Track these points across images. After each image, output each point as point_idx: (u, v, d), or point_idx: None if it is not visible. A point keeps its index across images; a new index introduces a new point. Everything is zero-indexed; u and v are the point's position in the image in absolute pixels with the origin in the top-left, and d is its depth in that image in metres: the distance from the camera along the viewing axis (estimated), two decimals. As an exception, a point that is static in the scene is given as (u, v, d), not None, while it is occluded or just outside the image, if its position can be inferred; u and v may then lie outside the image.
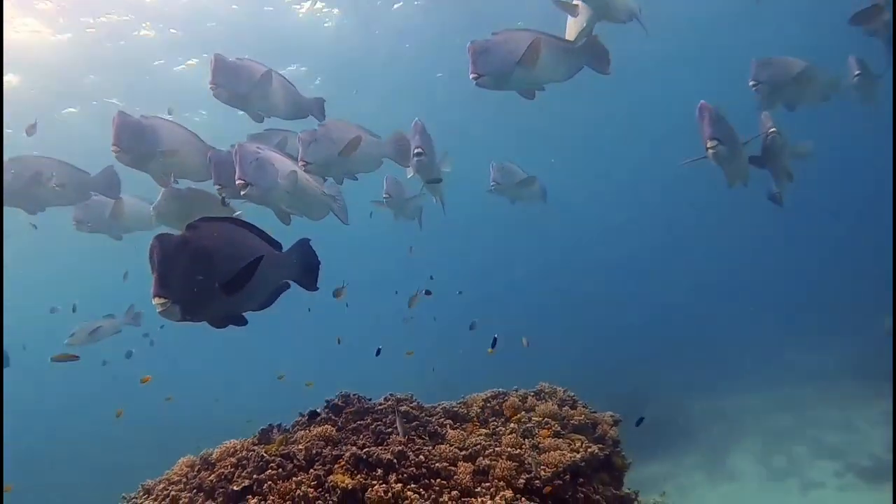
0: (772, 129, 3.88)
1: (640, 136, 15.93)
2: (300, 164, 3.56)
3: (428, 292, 4.84)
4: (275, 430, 3.25)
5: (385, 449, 2.80)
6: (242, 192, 3.18)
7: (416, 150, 3.92)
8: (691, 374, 11.32)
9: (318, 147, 3.58)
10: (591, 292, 18.28)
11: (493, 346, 4.25)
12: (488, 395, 3.74)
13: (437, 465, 2.77)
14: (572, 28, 4.30)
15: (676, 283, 17.84)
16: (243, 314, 2.33)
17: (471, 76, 3.36)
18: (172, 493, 2.58)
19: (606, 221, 19.80)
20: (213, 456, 2.80)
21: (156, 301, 1.98)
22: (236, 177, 3.17)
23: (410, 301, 4.85)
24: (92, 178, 4.16)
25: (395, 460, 2.72)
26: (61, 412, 13.58)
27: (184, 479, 2.67)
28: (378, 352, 4.28)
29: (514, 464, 2.86)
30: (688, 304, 16.08)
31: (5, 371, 4.28)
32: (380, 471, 2.66)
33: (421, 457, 2.79)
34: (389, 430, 3.14)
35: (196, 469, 2.75)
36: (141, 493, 2.69)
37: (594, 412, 3.54)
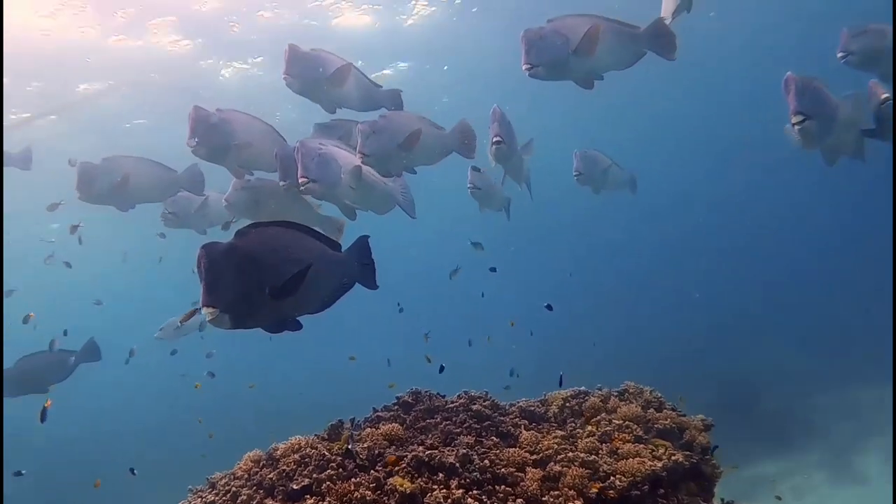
0: (885, 96, 3.38)
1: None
2: (358, 155, 3.48)
3: (549, 307, 4.71)
4: (345, 426, 3.22)
5: (449, 452, 2.69)
6: (304, 189, 3.16)
7: (494, 139, 3.80)
8: (816, 363, 10.48)
9: (378, 139, 3.49)
10: (704, 272, 17.36)
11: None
12: (568, 393, 3.55)
13: (503, 470, 2.63)
14: (668, 3, 4.01)
15: (798, 261, 16.56)
16: (299, 318, 2.28)
17: (523, 67, 3.21)
18: (233, 488, 2.60)
19: (719, 200, 18.65)
20: (278, 452, 2.80)
21: (205, 311, 1.97)
22: (298, 174, 3.15)
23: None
24: (178, 176, 4.32)
25: (458, 464, 2.60)
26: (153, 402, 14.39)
27: (246, 475, 2.69)
28: (441, 369, 4.24)
29: (587, 471, 2.67)
30: (812, 284, 14.91)
31: (97, 364, 4.58)
32: (441, 475, 2.55)
33: (486, 461, 2.66)
34: (459, 430, 3.03)
35: (260, 465, 2.76)
36: (206, 487, 2.73)
37: (682, 415, 3.25)
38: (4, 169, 4.50)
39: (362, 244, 2.61)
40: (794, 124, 3.15)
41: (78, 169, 4.07)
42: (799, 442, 8.90)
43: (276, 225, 2.27)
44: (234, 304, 1.99)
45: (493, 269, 4.75)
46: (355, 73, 3.99)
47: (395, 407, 3.29)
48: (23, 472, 6.07)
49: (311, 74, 3.79)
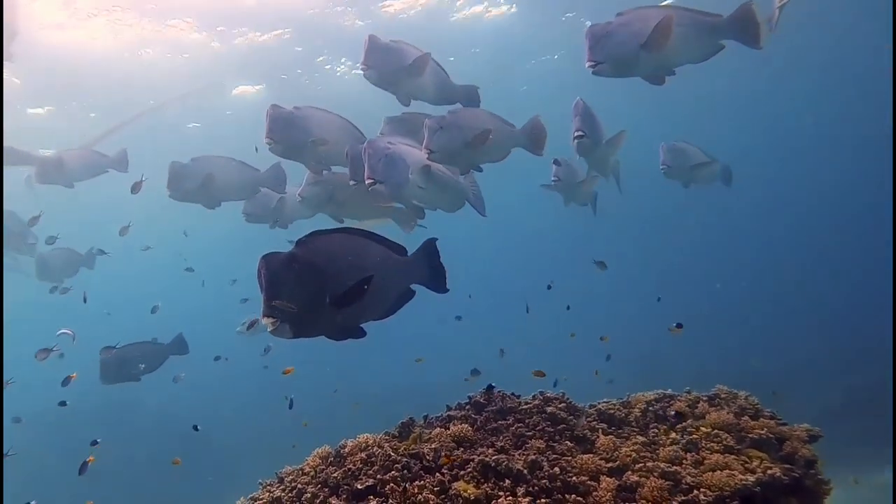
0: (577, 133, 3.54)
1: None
2: (424, 151, 3.40)
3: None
4: (417, 424, 3.16)
5: (518, 457, 2.56)
6: (372, 190, 3.12)
7: (576, 133, 3.66)
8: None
9: (445, 135, 3.40)
10: (826, 263, 16.21)
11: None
12: (653, 396, 3.32)
13: (574, 478, 2.47)
14: None
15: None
16: (362, 325, 2.24)
17: (587, 65, 3.06)
18: (299, 485, 2.58)
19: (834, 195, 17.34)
20: (346, 449, 2.77)
21: (265, 321, 1.98)
22: (365, 175, 3.11)
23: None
24: (261, 175, 4.44)
25: (526, 471, 2.47)
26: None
27: (314, 472, 2.67)
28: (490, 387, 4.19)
29: (667, 483, 2.46)
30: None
31: (182, 358, 4.78)
32: (508, 481, 2.43)
33: (556, 468, 2.51)
34: (531, 433, 2.89)
35: (328, 462, 2.74)
36: (275, 481, 2.74)
37: (783, 424, 2.96)
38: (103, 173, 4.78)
39: (430, 247, 2.53)
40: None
41: (169, 168, 4.26)
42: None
43: (339, 232, 2.24)
44: (295, 315, 1.98)
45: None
46: (433, 66, 3.94)
47: (468, 406, 3.18)
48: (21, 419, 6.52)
49: (389, 65, 3.77)
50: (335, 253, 2.11)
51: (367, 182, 3.15)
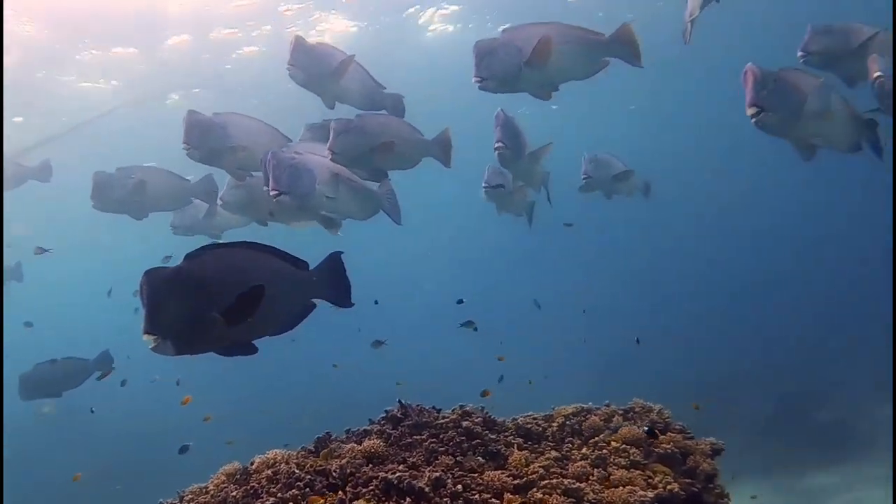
0: (877, 74, 3.15)
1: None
2: (326, 152, 3.42)
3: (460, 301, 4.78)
4: (334, 438, 3.13)
5: (425, 474, 2.56)
6: (276, 201, 3.11)
7: (496, 145, 3.72)
8: (882, 371, 9.87)
9: (349, 139, 3.43)
10: (762, 273, 16.62)
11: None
12: (571, 410, 3.35)
13: (477, 496, 2.48)
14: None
15: (863, 262, 15.63)
16: (255, 342, 2.21)
17: (473, 80, 3.15)
18: (198, 505, 2.54)
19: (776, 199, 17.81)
20: (254, 466, 2.73)
21: (145, 338, 1.93)
22: (270, 186, 3.11)
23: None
24: (192, 185, 4.40)
25: (429, 489, 2.47)
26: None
27: (215, 490, 2.63)
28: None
29: (569, 500, 2.49)
30: (876, 288, 14.04)
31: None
32: (410, 499, 2.42)
33: (460, 486, 2.51)
34: (444, 448, 2.89)
35: (234, 479, 2.70)
36: (176, 500, 2.69)
37: (690, 438, 3.02)
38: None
39: (334, 261, 2.50)
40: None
41: (93, 178, 4.18)
42: (857, 455, 8.42)
43: (234, 246, 2.20)
44: (177, 331, 1.93)
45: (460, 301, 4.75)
46: (358, 70, 3.99)
47: (384, 420, 3.17)
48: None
49: (314, 66, 3.81)
50: (226, 267, 2.07)
51: (271, 193, 3.14)
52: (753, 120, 2.91)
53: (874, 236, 16.79)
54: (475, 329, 4.77)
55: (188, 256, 2.04)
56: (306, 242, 3.39)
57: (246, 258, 2.16)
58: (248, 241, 2.23)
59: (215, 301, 1.99)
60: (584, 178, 4.81)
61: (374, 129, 3.54)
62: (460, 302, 5.07)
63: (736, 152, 15.77)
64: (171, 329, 1.93)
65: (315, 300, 2.44)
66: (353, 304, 2.53)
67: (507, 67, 3.13)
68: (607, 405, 3.40)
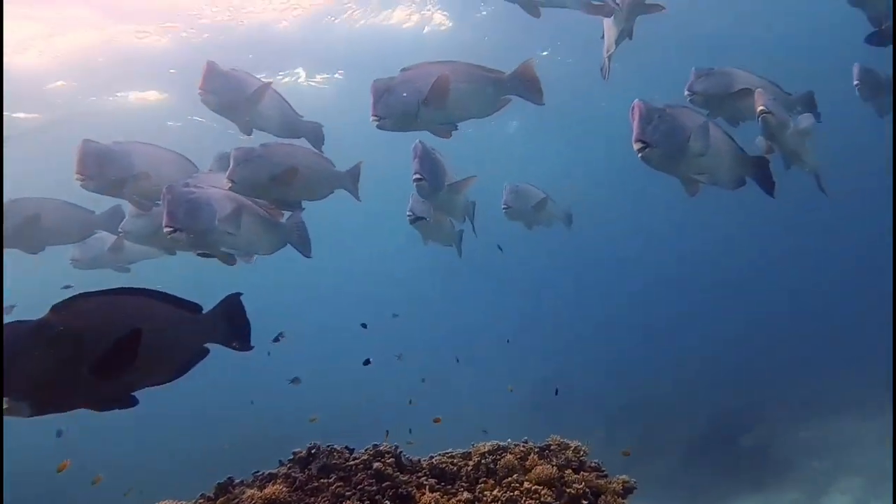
0: (760, 108, 3.37)
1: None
2: (226, 182, 3.31)
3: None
4: (236, 484, 2.96)
5: (326, 523, 2.43)
6: (170, 238, 2.97)
7: (414, 177, 3.69)
8: (803, 395, 10.23)
9: (250, 168, 3.35)
10: (694, 301, 17.13)
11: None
12: (489, 447, 3.27)
13: (381, 546, 2.36)
14: (610, 30, 3.93)
15: (784, 291, 16.33)
16: (134, 394, 2.03)
17: (371, 119, 3.12)
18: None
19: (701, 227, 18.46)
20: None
21: None
22: (164, 222, 2.97)
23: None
24: (96, 217, 4.18)
25: (330, 540, 2.34)
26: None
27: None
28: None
29: (477, 548, 2.40)
30: (798, 315, 14.67)
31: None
32: (310, 552, 2.29)
33: (363, 535, 2.39)
34: (351, 492, 2.77)
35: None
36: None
37: (603, 476, 2.99)
38: None
39: (232, 303, 2.36)
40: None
41: None
42: (777, 479, 8.66)
43: (113, 293, 2.02)
44: (35, 392, 1.75)
45: (395, 315, 4.65)
46: (275, 97, 3.92)
47: (290, 463, 3.02)
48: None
49: (229, 92, 3.73)
50: (101, 316, 1.90)
51: (165, 230, 2.99)
52: (639, 155, 2.98)
53: (795, 266, 17.66)
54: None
55: (55, 308, 1.86)
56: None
57: (125, 305, 1.99)
58: (131, 287, 2.07)
59: (85, 355, 1.82)
60: (504, 209, 4.83)
61: (277, 157, 3.45)
62: (363, 326, 5.01)
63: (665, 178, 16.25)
64: (28, 390, 1.74)
65: (211, 345, 2.29)
66: (253, 348, 2.39)
67: (405, 107, 3.12)
68: (525, 442, 3.34)
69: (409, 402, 4.57)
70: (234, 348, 2.37)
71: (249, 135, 3.92)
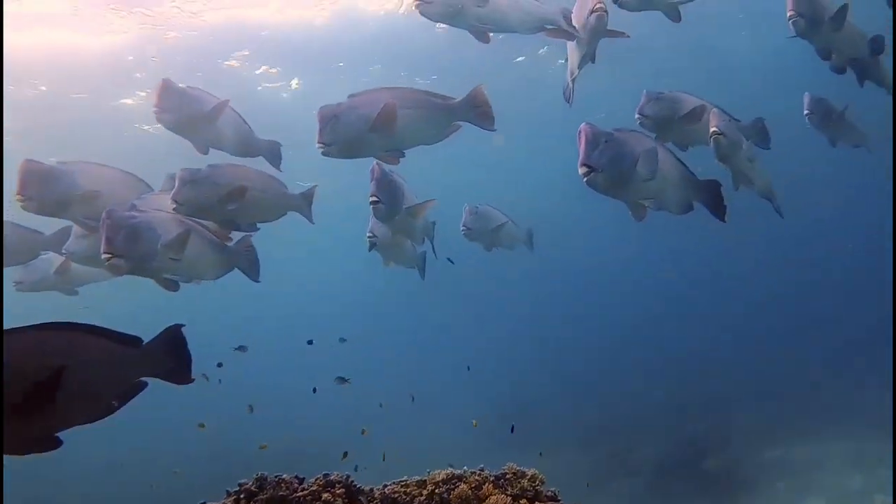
0: (713, 129, 3.41)
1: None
2: (170, 203, 3.24)
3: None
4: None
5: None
6: (108, 266, 2.88)
7: (371, 199, 3.65)
8: (769, 417, 10.31)
9: (196, 189, 3.28)
10: (658, 320, 17.24)
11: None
12: (444, 476, 3.20)
13: (324, 585, 2.27)
14: (573, 54, 3.95)
15: (750, 313, 16.52)
16: (59, 434, 1.91)
17: (317, 146, 3.08)
18: None
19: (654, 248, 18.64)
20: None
21: None
22: (102, 249, 2.87)
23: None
24: (44, 237, 4.05)
25: (270, 579, 2.24)
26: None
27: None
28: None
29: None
30: (765, 337, 14.85)
31: None
32: (247, 592, 2.18)
33: (306, 574, 2.29)
34: (298, 526, 2.67)
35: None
36: None
37: (557, 506, 2.93)
38: None
39: (172, 335, 2.25)
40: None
41: None
42: (742, 500, 8.69)
43: (38, 328, 1.90)
44: None
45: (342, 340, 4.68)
46: (233, 115, 3.87)
47: (237, 495, 2.91)
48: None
49: (185, 109, 3.66)
50: (23, 354, 1.78)
51: (103, 256, 2.89)
52: (584, 180, 2.95)
53: (760, 288, 17.91)
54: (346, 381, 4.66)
55: None
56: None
57: (50, 341, 1.88)
58: (60, 321, 1.96)
59: (10, 391, 1.70)
60: (463, 230, 4.81)
61: (225, 178, 3.38)
62: (309, 342, 4.99)
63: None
64: None
65: (149, 378, 2.19)
66: (193, 380, 2.29)
67: (351, 133, 3.07)
68: (481, 470, 3.28)
69: (363, 432, 4.47)
70: (174, 382, 2.27)
71: (206, 153, 3.83)
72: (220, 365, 4.46)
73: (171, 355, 2.22)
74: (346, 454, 4.51)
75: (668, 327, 16.74)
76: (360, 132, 3.07)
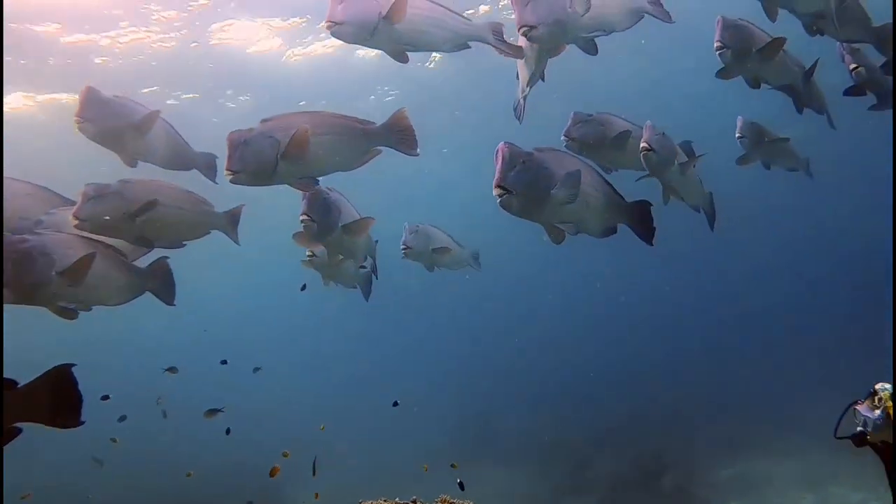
0: (643, 144, 3.39)
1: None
2: (72, 220, 3.07)
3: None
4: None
5: None
6: None
7: (301, 217, 3.54)
8: (724, 436, 10.34)
9: (100, 205, 3.10)
10: (608, 340, 17.33)
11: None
12: (383, 507, 3.08)
13: None
14: (523, 71, 3.87)
15: (708, 333, 16.70)
16: None
17: (225, 174, 2.99)
18: None
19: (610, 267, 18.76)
20: None
21: None
22: None
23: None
24: None
25: None
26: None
27: None
28: None
29: None
30: (720, 357, 14.98)
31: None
32: None
33: None
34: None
35: None
36: None
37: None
38: None
39: (58, 376, 2.06)
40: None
41: None
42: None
43: None
44: None
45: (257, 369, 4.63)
46: (164, 126, 3.69)
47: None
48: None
49: (111, 120, 3.46)
50: None
51: None
52: (497, 201, 2.84)
53: (717, 308, 18.11)
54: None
55: None
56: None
57: None
58: None
59: None
60: (402, 249, 4.68)
61: (134, 193, 3.21)
62: (223, 362, 4.88)
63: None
64: None
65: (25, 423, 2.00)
66: (83, 423, 2.11)
67: (262, 160, 2.96)
68: (413, 501, 3.17)
69: (314, 474, 4.28)
70: (56, 426, 2.07)
71: (134, 166, 3.65)
72: (224, 362, 4.39)
73: (56, 398, 2.03)
74: None
75: (629, 344, 16.82)
76: (270, 159, 2.95)
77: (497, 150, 2.82)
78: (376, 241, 4.46)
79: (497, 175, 2.78)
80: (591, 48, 3.47)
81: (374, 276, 4.63)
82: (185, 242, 3.48)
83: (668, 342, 16.63)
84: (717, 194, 4.11)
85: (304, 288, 4.84)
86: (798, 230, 16.66)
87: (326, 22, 3.02)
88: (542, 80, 4.01)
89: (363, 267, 4.57)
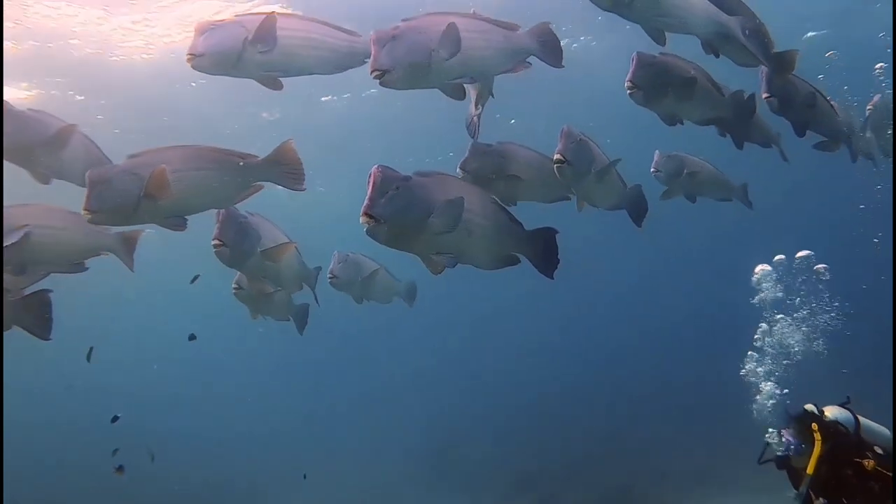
0: (557, 157, 3.32)
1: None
2: None
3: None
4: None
5: None
6: None
7: (213, 242, 3.39)
8: (690, 469, 10.18)
9: None
10: (596, 364, 17.15)
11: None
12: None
13: None
14: (473, 90, 3.74)
15: (682, 361, 16.56)
16: None
17: (82, 212, 2.89)
18: None
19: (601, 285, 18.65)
20: None
21: None
22: None
23: None
24: None
25: None
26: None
27: None
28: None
29: None
30: (683, 391, 14.86)
31: None
32: None
33: None
34: None
35: None
36: None
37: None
38: None
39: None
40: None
41: None
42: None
43: None
44: None
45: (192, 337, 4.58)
46: (82, 141, 3.50)
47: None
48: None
49: (21, 135, 3.25)
50: None
51: None
52: (365, 230, 2.57)
53: (679, 340, 18.02)
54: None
55: None
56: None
57: None
58: None
59: None
60: (329, 279, 4.47)
61: (10, 219, 3.03)
62: (192, 337, 4.98)
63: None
64: None
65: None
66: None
67: (122, 200, 2.81)
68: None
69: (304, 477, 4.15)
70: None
71: (47, 184, 3.42)
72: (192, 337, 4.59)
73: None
74: None
75: (594, 378, 16.67)
76: (131, 198, 2.79)
77: (370, 174, 2.55)
78: (318, 269, 4.29)
79: (366, 201, 2.50)
80: (458, 94, 3.24)
81: (312, 306, 4.41)
82: (84, 266, 3.33)
83: (639, 374, 16.49)
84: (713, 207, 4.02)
85: (192, 338, 4.86)
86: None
87: (188, 55, 2.90)
88: (493, 96, 3.95)
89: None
